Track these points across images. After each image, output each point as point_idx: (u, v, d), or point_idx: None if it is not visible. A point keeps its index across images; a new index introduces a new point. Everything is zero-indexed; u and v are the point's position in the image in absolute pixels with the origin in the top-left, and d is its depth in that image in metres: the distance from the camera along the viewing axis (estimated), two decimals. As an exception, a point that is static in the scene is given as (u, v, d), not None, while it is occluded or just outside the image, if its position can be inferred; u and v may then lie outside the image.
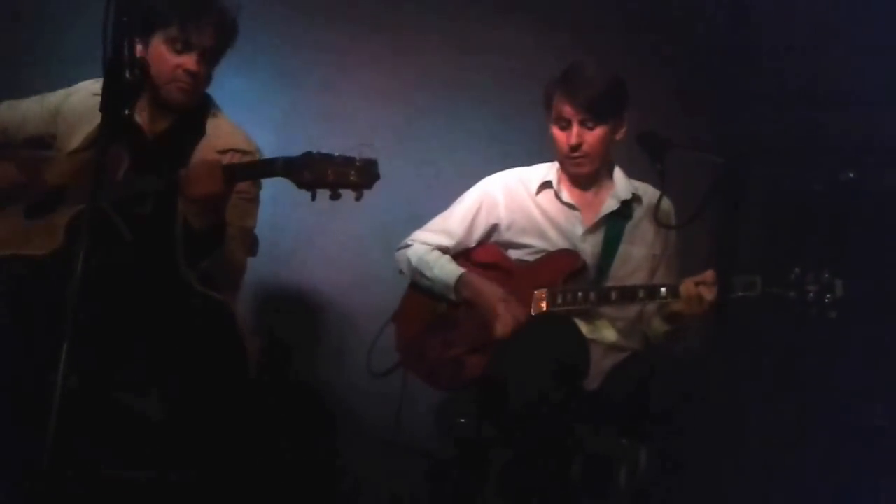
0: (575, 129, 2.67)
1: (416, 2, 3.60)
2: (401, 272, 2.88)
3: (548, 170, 2.86)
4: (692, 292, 2.48)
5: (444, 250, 2.84)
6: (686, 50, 3.51)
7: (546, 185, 2.83)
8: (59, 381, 1.68)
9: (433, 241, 2.84)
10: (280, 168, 2.25)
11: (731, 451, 2.91)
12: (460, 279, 2.73)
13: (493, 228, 2.83)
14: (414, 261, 2.81)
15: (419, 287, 2.83)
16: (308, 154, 2.21)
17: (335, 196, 2.18)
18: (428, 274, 2.77)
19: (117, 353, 2.32)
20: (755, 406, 3.17)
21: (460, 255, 2.85)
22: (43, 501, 1.69)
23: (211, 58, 2.54)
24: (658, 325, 2.70)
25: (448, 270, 2.76)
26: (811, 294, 2.36)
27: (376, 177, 2.19)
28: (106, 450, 2.36)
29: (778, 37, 3.41)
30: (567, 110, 2.66)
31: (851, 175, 2.54)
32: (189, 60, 2.49)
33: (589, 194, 2.83)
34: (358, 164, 2.18)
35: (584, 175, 2.79)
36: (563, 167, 2.81)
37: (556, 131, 2.72)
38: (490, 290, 2.69)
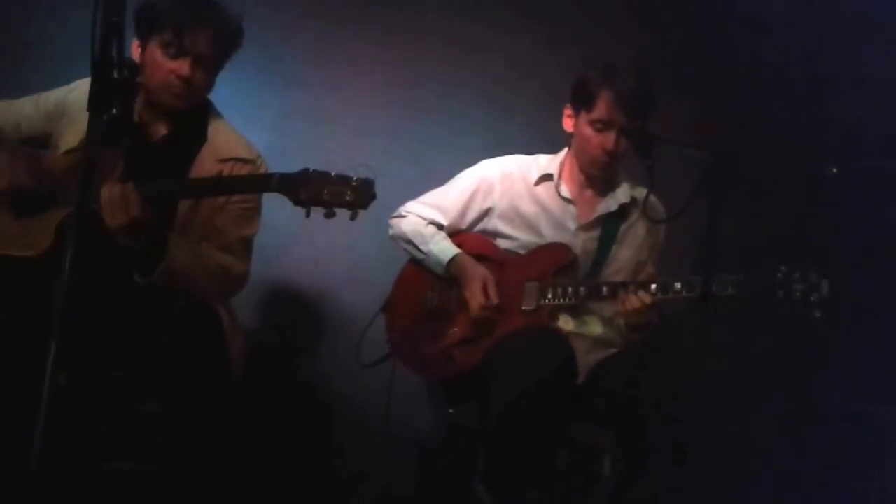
0: (615, 134, 2.66)
1: (409, 3, 3.61)
2: (391, 238, 2.92)
3: (549, 161, 2.87)
4: (623, 299, 2.54)
5: (437, 226, 2.87)
6: (675, 46, 3.52)
7: (546, 177, 2.84)
8: (47, 380, 1.68)
9: (428, 215, 2.88)
10: (276, 184, 2.23)
11: (718, 445, 2.92)
12: (454, 258, 2.77)
13: (487, 212, 2.85)
14: (409, 232, 2.85)
15: (412, 261, 2.87)
16: (305, 171, 2.19)
17: (330, 214, 2.18)
18: (423, 248, 2.82)
19: (104, 353, 2.32)
20: (746, 400, 3.18)
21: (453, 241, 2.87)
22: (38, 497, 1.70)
23: (207, 64, 2.51)
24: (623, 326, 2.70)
25: (444, 248, 2.81)
26: (797, 293, 2.36)
27: (372, 197, 2.18)
28: (100, 446, 2.37)
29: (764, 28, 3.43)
30: (615, 115, 2.63)
31: (834, 170, 2.54)
32: (182, 66, 2.46)
33: (589, 192, 2.84)
34: (354, 183, 2.17)
35: (602, 176, 2.80)
36: (584, 165, 2.80)
37: (589, 131, 2.69)
38: (474, 271, 2.73)
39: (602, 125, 2.66)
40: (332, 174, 2.18)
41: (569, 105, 2.78)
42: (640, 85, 2.64)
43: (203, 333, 2.42)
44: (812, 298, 2.35)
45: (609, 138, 2.67)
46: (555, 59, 3.57)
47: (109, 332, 2.33)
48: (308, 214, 2.20)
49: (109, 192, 2.26)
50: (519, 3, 3.61)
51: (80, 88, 2.59)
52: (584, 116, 2.71)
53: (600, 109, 2.65)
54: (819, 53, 3.31)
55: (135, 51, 2.51)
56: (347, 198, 2.17)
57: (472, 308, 2.68)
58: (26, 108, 2.65)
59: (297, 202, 2.19)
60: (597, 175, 2.80)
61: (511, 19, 3.60)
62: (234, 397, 2.52)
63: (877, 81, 3.26)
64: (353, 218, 2.19)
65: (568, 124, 2.79)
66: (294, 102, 3.58)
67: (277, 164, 2.60)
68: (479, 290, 2.68)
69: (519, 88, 3.59)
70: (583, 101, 2.70)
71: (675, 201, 2.66)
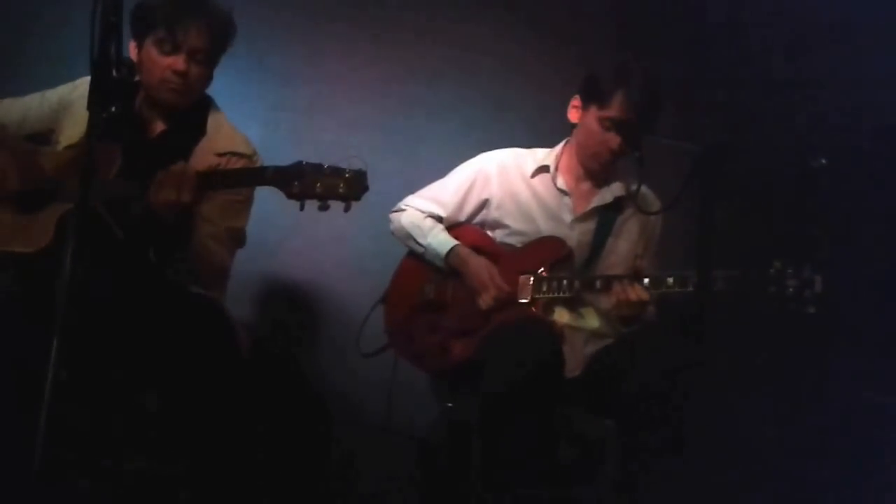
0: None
1: (398, -1, 3.64)
2: (392, 233, 2.93)
3: (546, 154, 2.87)
4: (615, 291, 2.55)
5: (436, 219, 2.88)
6: (661, 39, 3.54)
7: (543, 169, 2.84)
8: (49, 377, 1.69)
9: (426, 208, 2.89)
10: (269, 178, 2.26)
11: (715, 436, 2.94)
12: (453, 250, 2.79)
13: (484, 204, 2.86)
14: (408, 226, 2.86)
15: (411, 253, 2.88)
16: (298, 164, 2.21)
17: (324, 207, 2.20)
18: (421, 241, 2.83)
19: (109, 350, 2.32)
20: (739, 390, 3.20)
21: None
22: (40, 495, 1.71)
23: (203, 59, 2.54)
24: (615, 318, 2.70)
25: (441, 240, 2.82)
26: (791, 289, 2.36)
27: (365, 188, 2.20)
28: (105, 443, 2.37)
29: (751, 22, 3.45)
30: (628, 116, 2.62)
31: (823, 161, 2.56)
32: (177, 61, 2.49)
33: (585, 185, 2.85)
34: (347, 175, 2.19)
35: (600, 170, 2.80)
36: (584, 159, 2.79)
37: (596, 126, 2.67)
38: (478, 263, 2.75)
39: (612, 124, 2.65)
40: (326, 166, 2.20)
41: (577, 97, 2.78)
42: (653, 89, 2.65)
43: (213, 326, 2.44)
44: (805, 295, 2.35)
45: (615, 137, 2.66)
46: (547, 55, 3.59)
47: (108, 327, 2.32)
48: (302, 207, 2.22)
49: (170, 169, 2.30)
50: (502, 1, 3.62)
51: (82, 86, 2.60)
52: (593, 111, 2.69)
53: (614, 108, 2.64)
54: (805, 48, 3.33)
55: (132, 51, 2.53)
56: (341, 190, 2.18)
57: (482, 299, 2.70)
58: (32, 105, 2.67)
59: (290, 195, 2.21)
60: (595, 169, 2.81)
61: (504, 16, 3.61)
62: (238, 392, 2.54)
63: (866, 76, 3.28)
64: (346, 210, 2.21)
65: (573, 115, 2.79)
66: (286, 97, 3.59)
67: (270, 159, 2.60)
68: (487, 281, 2.70)
69: (512, 84, 3.60)
70: (595, 97, 2.69)
71: (670, 196, 2.67)
